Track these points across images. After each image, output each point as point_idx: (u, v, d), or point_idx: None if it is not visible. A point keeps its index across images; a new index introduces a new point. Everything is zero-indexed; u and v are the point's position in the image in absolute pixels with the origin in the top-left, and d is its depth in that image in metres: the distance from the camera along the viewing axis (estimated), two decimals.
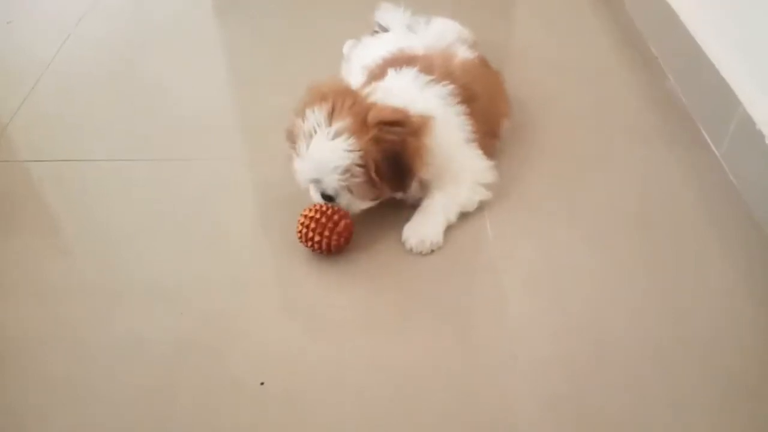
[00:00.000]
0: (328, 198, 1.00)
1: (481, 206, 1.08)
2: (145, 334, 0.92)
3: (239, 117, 1.35)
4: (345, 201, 1.00)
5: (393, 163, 0.95)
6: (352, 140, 0.93)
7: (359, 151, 0.94)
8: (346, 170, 0.95)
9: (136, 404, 0.85)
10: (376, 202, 1.02)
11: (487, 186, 1.07)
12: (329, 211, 0.97)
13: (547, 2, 1.70)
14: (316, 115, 0.96)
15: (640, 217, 1.09)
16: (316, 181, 0.99)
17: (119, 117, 1.32)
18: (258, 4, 1.69)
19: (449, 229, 1.05)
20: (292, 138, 1.00)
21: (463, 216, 1.06)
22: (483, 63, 1.20)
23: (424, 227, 1.03)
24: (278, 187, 1.12)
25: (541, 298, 0.96)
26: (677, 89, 1.34)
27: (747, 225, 1.06)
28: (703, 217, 1.08)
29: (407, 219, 1.05)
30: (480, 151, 1.07)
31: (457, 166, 1.04)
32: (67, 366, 0.89)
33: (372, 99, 0.99)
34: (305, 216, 0.98)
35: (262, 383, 0.86)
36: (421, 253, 1.01)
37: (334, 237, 0.97)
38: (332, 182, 0.96)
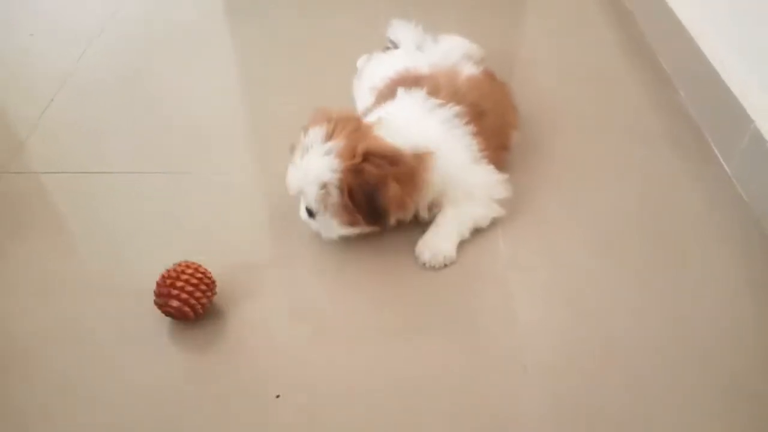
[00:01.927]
0: (309, 213, 1.04)
1: (494, 220, 1.09)
2: (157, 340, 0.95)
3: (252, 127, 1.38)
4: (322, 220, 1.03)
5: (368, 197, 0.98)
6: (337, 161, 0.97)
7: (340, 172, 0.97)
8: (324, 187, 0.98)
9: (145, 408, 0.87)
10: (354, 231, 1.04)
11: (501, 201, 1.09)
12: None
13: (557, 14, 1.72)
14: (316, 133, 0.99)
15: (650, 230, 1.10)
16: (301, 193, 1.02)
17: (134, 129, 1.35)
18: (271, 12, 1.72)
19: (461, 243, 1.06)
20: (293, 150, 1.03)
21: (476, 230, 1.08)
22: (489, 77, 1.21)
23: (437, 242, 1.04)
24: (289, 197, 1.14)
25: (551, 309, 0.98)
26: (687, 104, 1.36)
27: (756, 237, 1.08)
28: (711, 229, 1.10)
29: (421, 234, 1.07)
30: (491, 167, 1.09)
31: (469, 185, 1.06)
32: (76, 366, 0.91)
33: (376, 131, 1.01)
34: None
35: (278, 396, 0.88)
36: (434, 268, 1.03)
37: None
38: (312, 195, 0.99)
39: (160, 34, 1.65)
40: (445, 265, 1.03)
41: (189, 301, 0.92)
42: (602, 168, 1.22)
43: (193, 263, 0.95)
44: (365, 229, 1.04)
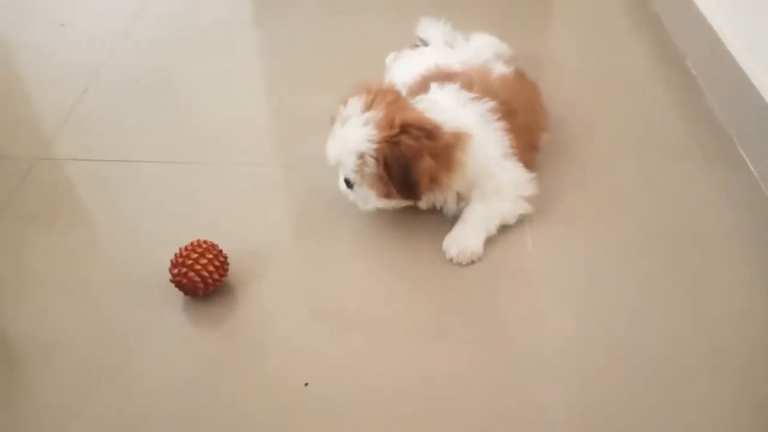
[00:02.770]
0: (348, 184, 1.05)
1: (521, 218, 1.10)
2: (181, 329, 0.96)
3: (276, 122, 1.39)
4: (360, 191, 1.04)
5: (403, 169, 0.98)
6: (374, 131, 0.98)
7: (377, 143, 0.97)
8: (361, 157, 0.98)
9: (175, 400, 0.88)
10: (391, 204, 1.05)
11: (528, 199, 1.10)
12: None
13: (584, 17, 1.72)
14: (355, 104, 1.01)
15: (677, 233, 1.10)
16: (340, 164, 1.03)
17: (161, 121, 1.37)
18: (298, 11, 1.73)
19: (488, 239, 1.07)
20: (332, 122, 1.04)
21: (503, 227, 1.09)
22: (520, 77, 1.22)
23: (465, 238, 1.05)
24: (312, 191, 1.17)
25: (577, 312, 0.98)
26: (716, 108, 1.35)
27: None
28: (739, 234, 1.10)
29: (448, 230, 1.07)
30: (520, 164, 1.09)
31: (497, 180, 1.07)
32: (106, 360, 0.93)
33: (418, 106, 1.03)
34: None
35: (306, 384, 0.89)
36: (460, 264, 1.04)
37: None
38: (350, 165, 1.00)
39: (187, 30, 1.66)
40: (472, 261, 1.04)
41: (201, 273, 0.95)
42: (628, 171, 1.22)
43: (208, 241, 0.98)
44: (400, 202, 1.05)
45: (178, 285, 0.97)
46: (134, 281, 1.03)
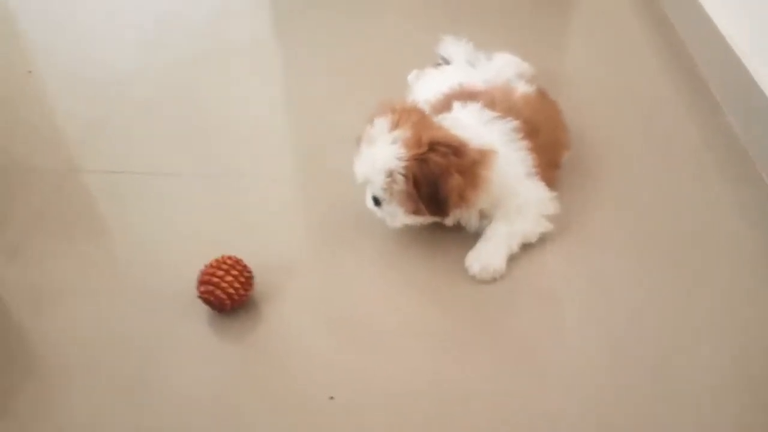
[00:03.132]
0: (376, 202, 1.07)
1: (542, 236, 1.12)
2: (205, 341, 0.99)
3: (299, 137, 1.42)
4: (389, 209, 1.06)
5: (431, 186, 1.01)
6: (403, 150, 1.00)
7: (406, 161, 1.00)
8: (390, 175, 1.01)
9: (200, 412, 0.90)
10: (419, 221, 1.08)
11: (549, 218, 1.11)
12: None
13: (602, 35, 1.74)
14: (382, 123, 1.03)
15: (697, 251, 1.11)
16: (368, 182, 1.06)
17: (187, 134, 1.40)
18: (320, 30, 1.76)
19: (510, 257, 1.08)
20: (359, 142, 1.07)
21: (525, 245, 1.10)
22: (542, 95, 1.24)
23: (487, 255, 1.07)
24: (334, 206, 1.20)
25: (598, 329, 0.99)
26: (734, 124, 1.36)
27: None
28: (758, 251, 1.10)
29: (471, 246, 1.09)
30: (542, 183, 1.11)
31: (520, 199, 1.09)
32: (132, 371, 0.96)
33: (442, 124, 1.05)
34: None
35: (331, 397, 0.91)
36: (483, 280, 1.06)
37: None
38: (378, 183, 1.02)
39: (212, 45, 1.70)
40: (494, 279, 1.06)
41: (227, 290, 0.98)
42: (646, 187, 1.23)
43: (234, 257, 1.01)
44: (428, 218, 1.07)
45: (206, 302, 1.00)
46: (160, 293, 1.05)
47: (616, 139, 1.34)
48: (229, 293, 0.98)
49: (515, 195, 1.08)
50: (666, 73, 1.55)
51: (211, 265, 1.00)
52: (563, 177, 1.22)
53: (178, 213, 1.22)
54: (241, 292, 1.00)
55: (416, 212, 1.05)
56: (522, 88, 1.19)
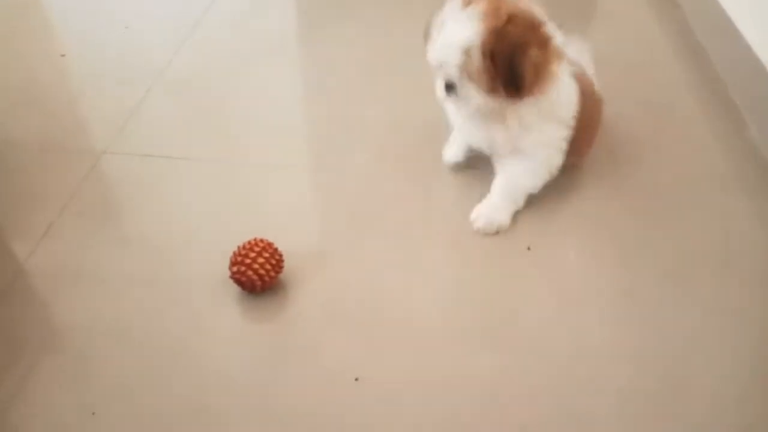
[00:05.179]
0: (450, 88, 1.05)
1: (564, 240, 1.14)
2: (233, 323, 1.02)
3: (330, 129, 1.44)
4: (463, 91, 1.04)
5: (510, 61, 0.99)
6: (478, 24, 0.98)
7: (482, 35, 0.98)
8: (466, 52, 0.99)
9: (228, 393, 0.93)
10: (492, 104, 1.05)
11: (554, 169, 1.15)
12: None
13: (624, 42, 1.74)
14: (453, 4, 1.03)
15: (718, 263, 1.11)
16: (441, 67, 1.04)
17: (221, 122, 1.43)
18: (347, 26, 1.78)
19: (538, 262, 1.11)
20: (427, 34, 1.07)
21: (550, 244, 1.13)
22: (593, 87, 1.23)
23: (493, 210, 1.14)
24: (362, 196, 1.23)
25: (621, 331, 1.01)
26: (758, 139, 1.38)
27: None
28: None
29: (479, 200, 1.15)
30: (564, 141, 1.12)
31: (544, 136, 1.11)
32: (164, 351, 0.98)
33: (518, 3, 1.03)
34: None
35: (356, 378, 0.94)
36: (486, 234, 1.12)
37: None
38: (454, 61, 1.00)
39: (248, 36, 1.73)
40: (497, 232, 1.13)
41: (258, 272, 1.01)
42: (668, 199, 1.23)
43: (264, 239, 1.04)
44: (503, 102, 1.04)
45: (237, 282, 1.02)
46: (192, 276, 1.08)
47: (638, 149, 1.34)
48: (260, 274, 1.01)
49: (544, 130, 1.10)
50: (692, 88, 1.55)
51: (244, 247, 1.03)
52: (584, 180, 1.24)
53: (210, 198, 1.24)
54: (272, 273, 1.02)
55: (493, 91, 1.02)
56: (590, 71, 1.20)
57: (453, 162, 1.26)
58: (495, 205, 1.14)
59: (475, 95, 1.03)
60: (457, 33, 0.99)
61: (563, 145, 1.13)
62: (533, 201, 1.18)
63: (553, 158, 1.14)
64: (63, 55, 1.67)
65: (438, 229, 1.16)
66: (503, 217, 1.13)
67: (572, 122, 1.11)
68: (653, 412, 0.90)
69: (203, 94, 1.52)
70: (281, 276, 1.05)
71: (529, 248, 1.13)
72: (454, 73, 1.02)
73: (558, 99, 1.07)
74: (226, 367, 0.96)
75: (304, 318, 1.02)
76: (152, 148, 1.35)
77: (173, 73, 1.58)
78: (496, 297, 1.06)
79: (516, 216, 1.17)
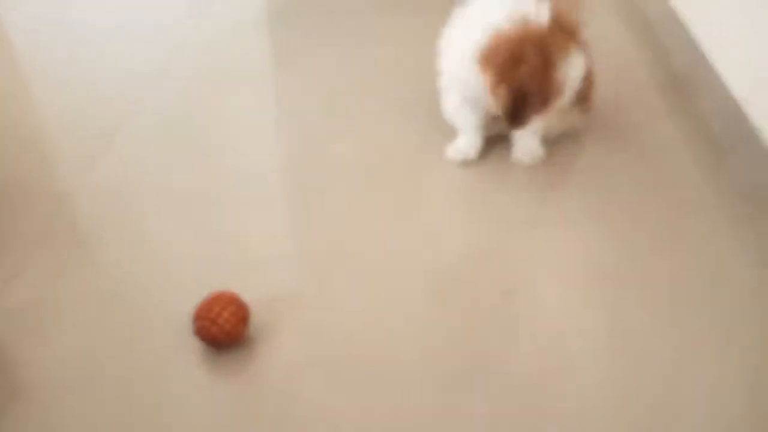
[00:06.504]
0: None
1: (545, 279, 1.13)
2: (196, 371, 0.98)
3: (305, 166, 1.40)
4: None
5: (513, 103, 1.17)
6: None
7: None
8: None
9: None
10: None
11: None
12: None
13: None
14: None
15: (709, 292, 1.09)
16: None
17: (194, 156, 1.41)
18: (317, 55, 1.76)
19: (518, 303, 1.09)
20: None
21: (530, 285, 1.12)
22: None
23: (529, 146, 1.32)
24: (333, 241, 1.20)
25: (609, 365, 0.99)
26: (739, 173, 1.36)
27: None
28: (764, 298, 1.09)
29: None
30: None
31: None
32: (122, 405, 0.94)
33: None
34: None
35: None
36: (532, 166, 1.31)
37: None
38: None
39: (222, 66, 1.71)
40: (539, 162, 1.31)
41: (224, 327, 0.97)
42: (660, 229, 1.22)
43: (227, 292, 1.00)
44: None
45: (202, 338, 0.98)
46: (156, 323, 1.05)
47: (625, 178, 1.33)
48: (225, 330, 0.97)
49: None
50: (670, 121, 1.54)
51: (208, 301, 0.99)
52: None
53: (178, 238, 1.21)
54: (238, 329, 0.99)
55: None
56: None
57: (466, 158, 1.34)
58: (527, 143, 1.31)
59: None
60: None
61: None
62: (509, 247, 1.17)
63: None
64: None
65: (415, 268, 1.13)
66: (539, 148, 1.32)
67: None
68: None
69: (176, 127, 1.49)
70: (248, 329, 1.01)
71: (507, 292, 1.10)
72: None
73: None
74: (188, 421, 0.92)
75: (272, 373, 0.98)
76: (122, 184, 1.33)
77: (145, 107, 1.55)
78: (476, 338, 1.02)
79: (491, 259, 1.15)
